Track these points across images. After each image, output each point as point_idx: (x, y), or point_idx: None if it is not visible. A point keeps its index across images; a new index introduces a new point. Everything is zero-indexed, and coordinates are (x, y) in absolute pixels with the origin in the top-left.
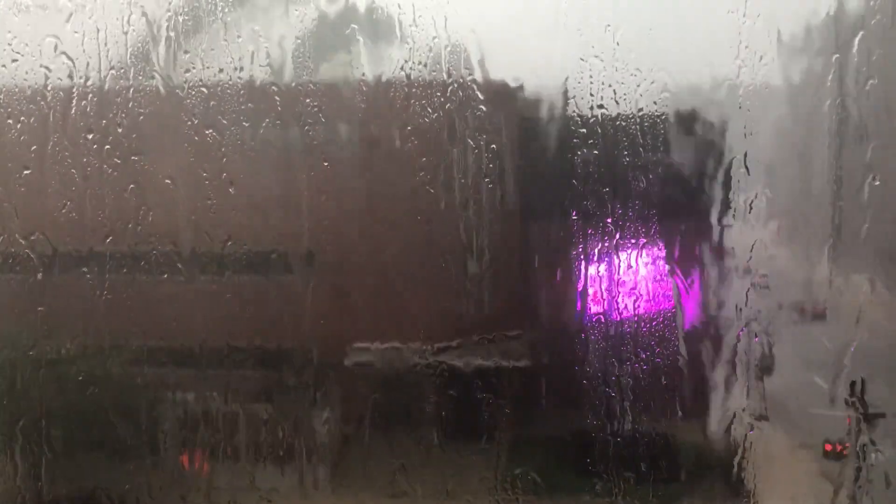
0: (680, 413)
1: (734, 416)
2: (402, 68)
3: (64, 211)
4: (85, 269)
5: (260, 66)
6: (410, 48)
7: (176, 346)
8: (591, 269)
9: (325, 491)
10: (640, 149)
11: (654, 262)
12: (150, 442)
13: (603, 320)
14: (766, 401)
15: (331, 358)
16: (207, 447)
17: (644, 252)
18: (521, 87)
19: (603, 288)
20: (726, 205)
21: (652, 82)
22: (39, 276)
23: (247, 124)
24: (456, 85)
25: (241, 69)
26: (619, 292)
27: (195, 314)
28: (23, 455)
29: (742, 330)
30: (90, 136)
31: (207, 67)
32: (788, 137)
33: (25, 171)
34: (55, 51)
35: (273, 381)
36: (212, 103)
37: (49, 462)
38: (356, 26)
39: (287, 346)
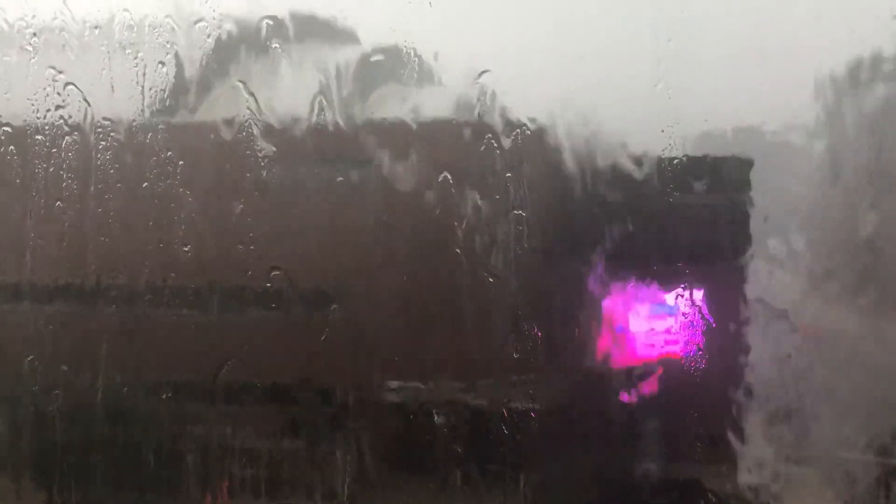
0: (711, 458)
1: (765, 461)
2: (426, 109)
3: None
4: (122, 304)
5: (290, 108)
6: (437, 89)
7: (195, 380)
8: (621, 312)
9: None
10: (671, 191)
11: (685, 306)
12: (165, 479)
13: (633, 363)
14: (799, 446)
15: (355, 396)
16: (223, 484)
17: (674, 296)
18: (547, 127)
19: (633, 331)
20: (761, 249)
21: (685, 125)
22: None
23: (278, 165)
24: (484, 125)
25: (274, 111)
26: (649, 335)
27: (216, 349)
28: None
29: (776, 375)
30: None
31: (239, 107)
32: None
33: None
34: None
35: (294, 418)
36: (243, 145)
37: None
38: (382, 68)
39: (309, 384)
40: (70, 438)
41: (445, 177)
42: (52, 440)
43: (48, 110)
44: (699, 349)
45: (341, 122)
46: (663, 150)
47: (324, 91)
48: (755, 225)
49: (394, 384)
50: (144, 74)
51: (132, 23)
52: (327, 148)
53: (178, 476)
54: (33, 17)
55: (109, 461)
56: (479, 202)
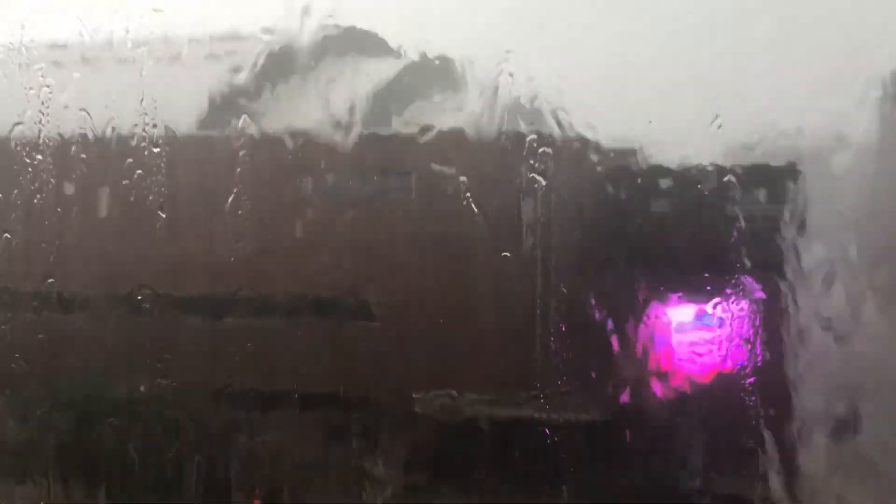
0: (762, 473)
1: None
2: (470, 120)
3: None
4: (177, 312)
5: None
6: (480, 100)
7: (233, 389)
8: (664, 325)
9: None
10: (724, 203)
11: (733, 319)
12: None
13: (677, 376)
14: (854, 461)
15: (391, 407)
16: (261, 492)
17: (723, 308)
18: (596, 140)
19: (676, 345)
20: (812, 260)
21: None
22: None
23: (314, 177)
24: (530, 137)
25: (312, 121)
26: (695, 349)
27: (253, 358)
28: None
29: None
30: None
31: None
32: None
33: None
34: (141, 103)
35: (331, 427)
36: (286, 156)
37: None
38: (423, 80)
39: (347, 393)
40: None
41: (487, 186)
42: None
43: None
44: (742, 361)
45: (381, 132)
46: (708, 159)
47: (363, 101)
48: (800, 233)
49: (434, 394)
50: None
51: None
52: (366, 159)
53: (221, 481)
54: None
55: (160, 466)
56: (522, 213)
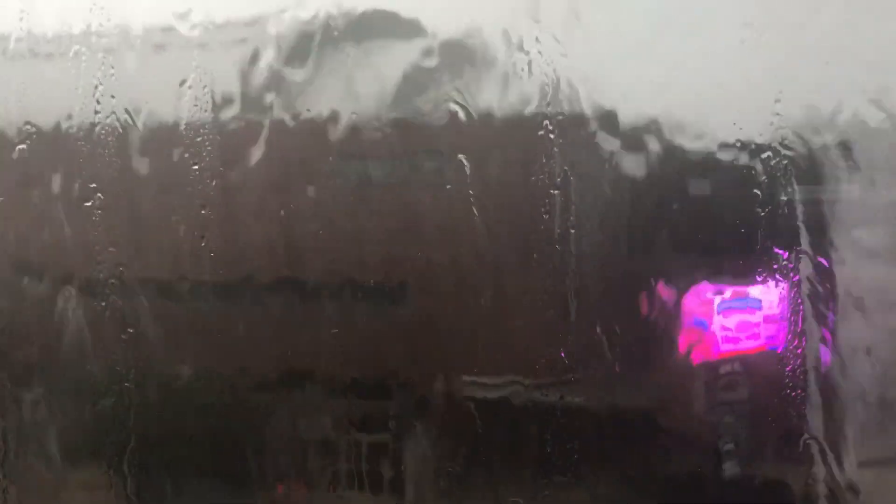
0: (795, 454)
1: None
2: (497, 100)
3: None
4: (210, 298)
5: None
6: (513, 80)
7: (272, 373)
8: (704, 307)
9: None
10: (757, 180)
11: (768, 299)
12: (246, 470)
13: (715, 358)
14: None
15: (432, 390)
16: (301, 477)
17: (759, 289)
18: (628, 118)
19: (714, 327)
20: (852, 241)
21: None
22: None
23: (346, 160)
24: (560, 117)
25: (344, 103)
26: (735, 331)
27: (290, 342)
28: (116, 479)
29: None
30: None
31: (309, 103)
32: None
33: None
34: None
35: (371, 412)
36: (317, 139)
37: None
38: (454, 60)
39: (386, 377)
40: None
41: (516, 168)
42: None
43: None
44: (782, 344)
45: (411, 116)
46: (753, 137)
47: (393, 85)
48: (845, 215)
49: (472, 378)
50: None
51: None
52: (397, 142)
53: (252, 468)
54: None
55: (192, 453)
56: (557, 195)
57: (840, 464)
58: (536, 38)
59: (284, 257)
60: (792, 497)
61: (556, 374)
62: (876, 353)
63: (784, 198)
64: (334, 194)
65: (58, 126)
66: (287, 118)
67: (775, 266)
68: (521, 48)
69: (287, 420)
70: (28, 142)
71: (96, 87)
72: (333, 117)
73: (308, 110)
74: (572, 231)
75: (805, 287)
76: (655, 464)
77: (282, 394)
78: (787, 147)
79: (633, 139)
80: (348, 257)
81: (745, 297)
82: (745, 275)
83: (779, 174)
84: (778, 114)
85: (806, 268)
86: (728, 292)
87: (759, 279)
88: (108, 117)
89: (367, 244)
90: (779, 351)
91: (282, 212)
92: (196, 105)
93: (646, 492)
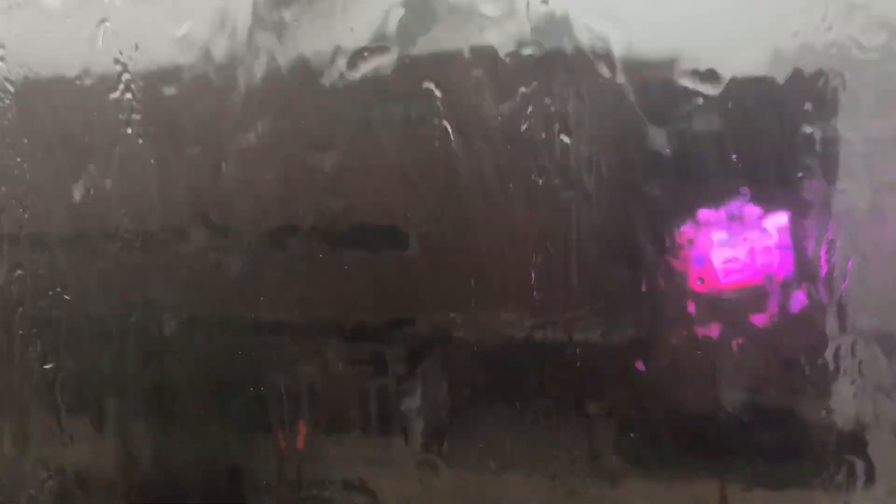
0: (796, 388)
1: (856, 391)
2: (503, 37)
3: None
4: (212, 244)
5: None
6: (513, 14)
7: (277, 319)
8: (703, 246)
9: (426, 465)
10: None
11: (767, 231)
12: (248, 416)
13: (710, 295)
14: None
15: (431, 331)
16: (304, 421)
17: (757, 220)
18: (632, 56)
19: (713, 264)
20: (849, 173)
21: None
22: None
23: (347, 102)
24: (565, 56)
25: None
26: (730, 267)
27: (296, 288)
28: (117, 430)
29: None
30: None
31: (307, 46)
32: None
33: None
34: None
35: (372, 355)
36: (316, 82)
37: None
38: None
39: (387, 321)
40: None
41: (521, 106)
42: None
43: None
44: (783, 275)
45: (408, 51)
46: (751, 70)
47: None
48: (843, 147)
49: (474, 317)
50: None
51: None
52: (398, 83)
53: (257, 415)
54: None
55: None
56: (559, 131)
57: (847, 393)
58: None
59: (275, 202)
60: (802, 427)
61: (557, 313)
62: (881, 277)
63: (788, 129)
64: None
65: None
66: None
67: (779, 197)
68: None
69: (284, 366)
70: None
71: None
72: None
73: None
74: (573, 167)
75: (809, 215)
76: (660, 398)
77: (275, 338)
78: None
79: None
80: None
81: (747, 228)
82: (748, 206)
83: (786, 105)
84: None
85: (809, 196)
86: (729, 225)
87: (761, 210)
88: None
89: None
90: (783, 281)
91: (269, 153)
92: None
93: (651, 425)
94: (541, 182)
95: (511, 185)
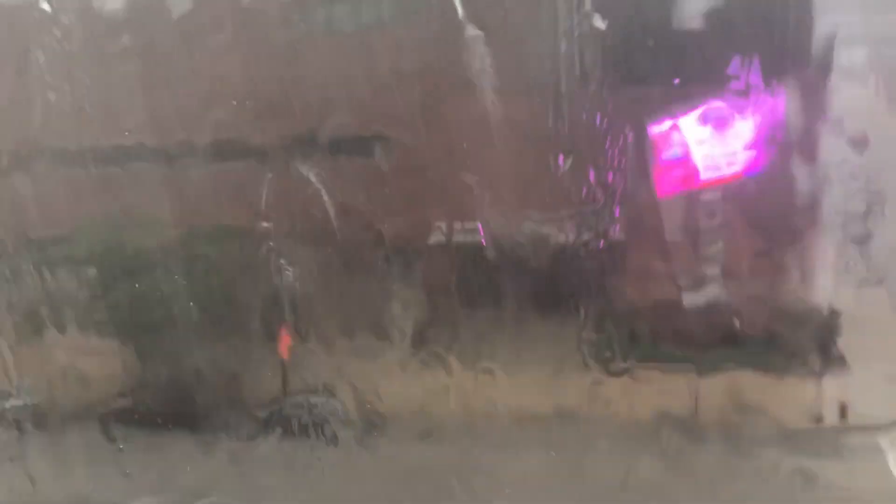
0: (774, 276)
1: (834, 276)
2: None
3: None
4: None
5: None
6: None
7: (255, 224)
8: (680, 137)
9: (408, 366)
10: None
11: (744, 123)
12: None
13: (688, 188)
14: (868, 261)
15: (407, 238)
16: (281, 326)
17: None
18: None
19: (695, 157)
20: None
21: None
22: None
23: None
24: None
25: None
26: (708, 157)
27: (269, 195)
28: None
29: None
30: None
31: None
32: None
33: None
34: None
35: (350, 260)
36: None
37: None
38: None
39: (365, 226)
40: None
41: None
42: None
43: None
44: (762, 166)
45: None
46: None
47: None
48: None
49: (448, 223)
50: None
51: None
52: None
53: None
54: None
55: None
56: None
57: (822, 284)
58: None
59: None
60: (777, 319)
61: (543, 213)
62: (852, 170)
63: (762, 24)
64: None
65: None
66: None
67: (755, 90)
68: None
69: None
70: None
71: None
72: None
73: None
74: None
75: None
76: (642, 294)
77: (256, 245)
78: None
79: None
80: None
81: (725, 124)
82: (724, 101)
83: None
84: None
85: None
86: (705, 119)
87: (738, 104)
88: None
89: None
90: (761, 175)
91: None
92: None
93: (634, 319)
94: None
95: (484, 89)
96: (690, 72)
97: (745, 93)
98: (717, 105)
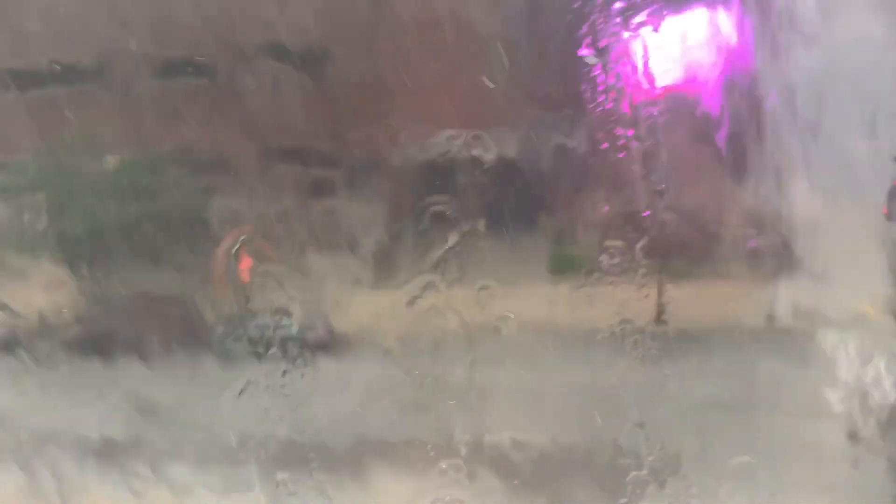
0: (731, 181)
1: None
2: None
3: None
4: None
5: None
6: None
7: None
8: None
9: (371, 281)
10: None
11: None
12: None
13: (647, 97)
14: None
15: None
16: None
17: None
18: None
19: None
20: None
21: None
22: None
23: None
24: None
25: None
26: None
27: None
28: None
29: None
30: None
31: None
32: None
33: None
34: None
35: (315, 178)
36: None
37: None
38: None
39: (327, 142)
40: None
41: None
42: None
43: None
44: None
45: None
46: None
47: None
48: None
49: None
50: None
51: None
52: None
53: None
54: None
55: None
56: None
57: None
58: None
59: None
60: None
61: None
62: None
63: None
64: None
65: None
66: None
67: None
68: None
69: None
70: None
71: None
72: None
73: None
74: None
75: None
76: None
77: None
78: None
79: None
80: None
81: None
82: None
83: None
84: None
85: None
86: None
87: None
88: None
89: None
90: (720, 82)
91: None
92: None
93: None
94: None
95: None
96: None
97: None
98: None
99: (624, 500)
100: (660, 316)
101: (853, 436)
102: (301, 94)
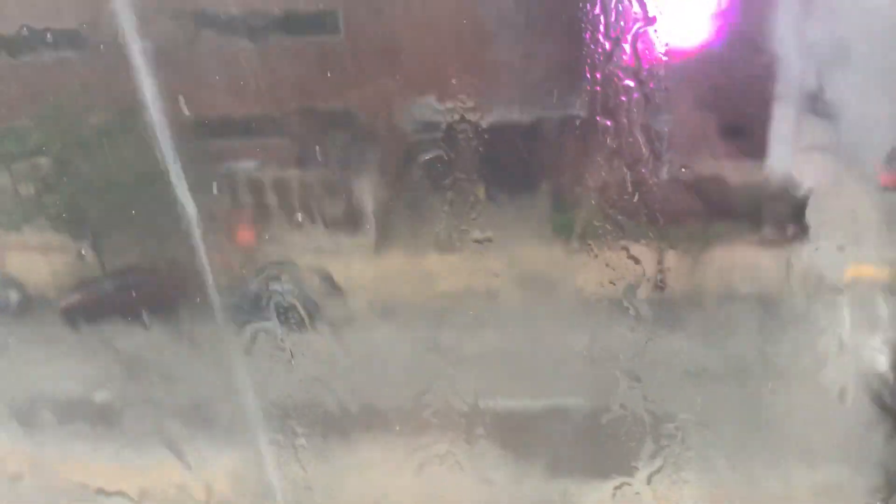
0: (733, 150)
1: (786, 146)
2: None
3: None
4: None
5: None
6: None
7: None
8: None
9: (372, 250)
10: None
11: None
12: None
13: (646, 67)
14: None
15: (373, 119)
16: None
17: None
18: None
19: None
20: None
21: None
22: None
23: None
24: None
25: None
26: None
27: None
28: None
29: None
30: None
31: None
32: None
33: None
34: None
35: (312, 146)
36: None
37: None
38: None
39: (328, 110)
40: None
41: None
42: None
43: None
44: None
45: None
46: None
47: None
48: None
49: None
50: None
51: None
52: None
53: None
54: None
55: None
56: None
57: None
58: None
59: None
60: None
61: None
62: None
63: None
64: None
65: None
66: None
67: None
68: None
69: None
70: None
71: None
72: None
73: None
74: None
75: None
76: (599, 171)
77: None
78: None
79: None
80: None
81: None
82: None
83: None
84: None
85: None
86: None
87: None
88: None
89: None
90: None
91: None
92: None
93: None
94: None
95: None
96: None
97: None
98: None
99: (621, 463)
100: (660, 281)
101: (847, 398)
102: (295, 57)
